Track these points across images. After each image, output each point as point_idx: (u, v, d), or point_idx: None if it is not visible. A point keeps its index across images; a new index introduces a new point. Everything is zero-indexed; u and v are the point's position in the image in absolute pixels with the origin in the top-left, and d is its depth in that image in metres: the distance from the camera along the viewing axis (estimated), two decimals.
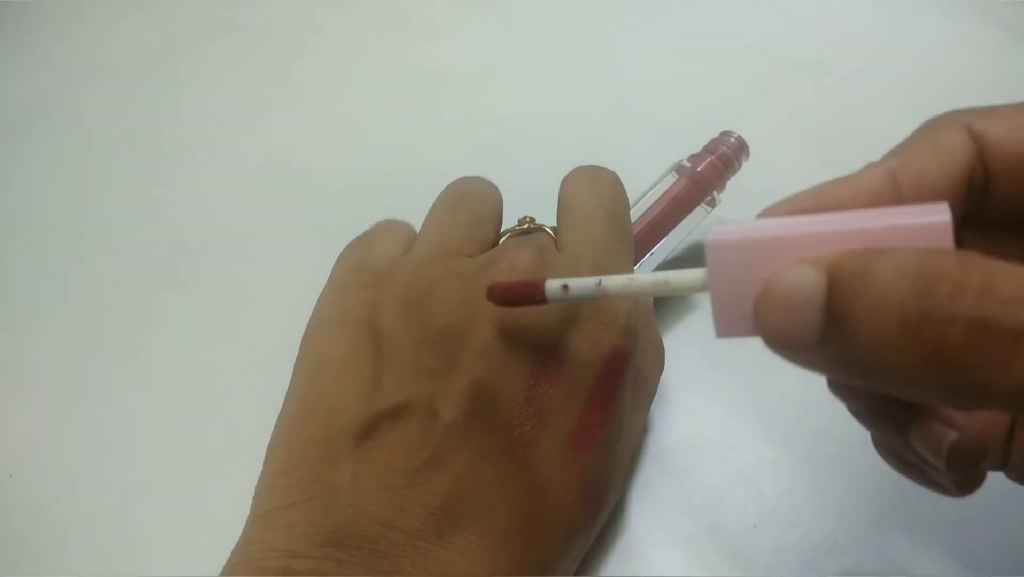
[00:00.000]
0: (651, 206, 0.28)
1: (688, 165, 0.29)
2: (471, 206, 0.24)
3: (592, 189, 0.24)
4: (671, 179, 0.29)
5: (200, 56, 0.45)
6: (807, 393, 0.27)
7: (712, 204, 0.29)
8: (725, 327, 0.15)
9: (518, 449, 0.19)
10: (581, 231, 0.22)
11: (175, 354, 0.30)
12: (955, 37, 0.43)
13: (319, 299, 0.23)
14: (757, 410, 0.27)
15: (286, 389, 0.22)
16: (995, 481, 0.24)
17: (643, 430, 0.23)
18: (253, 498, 0.20)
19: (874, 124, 0.37)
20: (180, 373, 0.29)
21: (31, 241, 0.35)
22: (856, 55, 0.42)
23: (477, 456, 0.18)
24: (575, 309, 0.20)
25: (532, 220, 0.24)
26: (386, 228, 0.25)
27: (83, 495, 0.26)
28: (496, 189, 0.25)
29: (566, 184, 0.24)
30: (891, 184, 0.16)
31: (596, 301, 0.20)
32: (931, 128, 0.17)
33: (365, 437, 0.19)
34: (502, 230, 0.25)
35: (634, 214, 0.28)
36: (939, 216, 0.13)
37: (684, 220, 0.29)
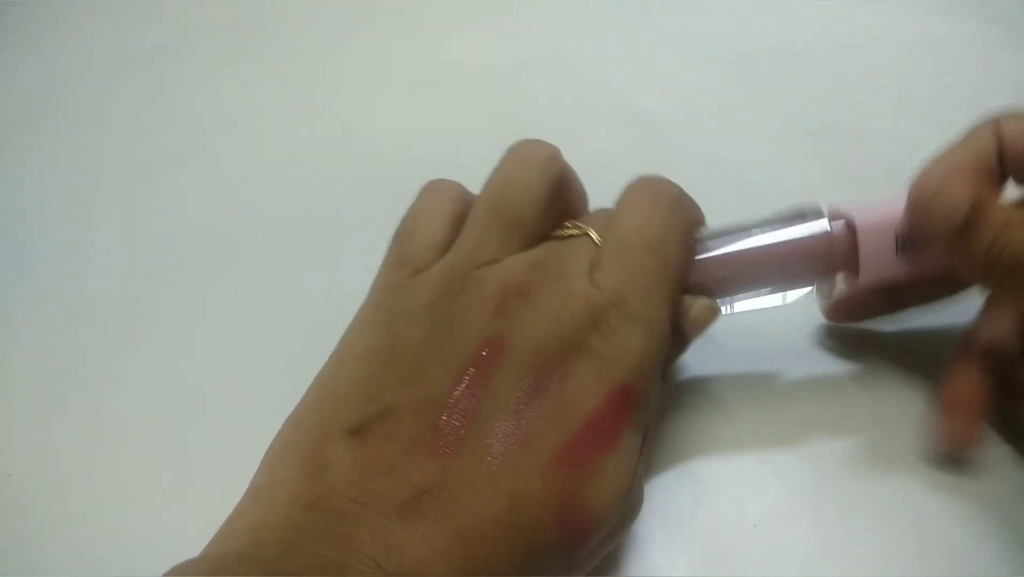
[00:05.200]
0: (759, 243, 0.23)
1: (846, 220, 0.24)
2: (507, 205, 0.24)
3: (644, 210, 0.23)
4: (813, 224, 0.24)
5: (200, 56, 0.45)
6: (809, 393, 0.27)
7: (833, 287, 0.25)
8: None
9: (496, 460, 0.19)
10: (616, 257, 0.22)
11: (175, 354, 0.30)
12: (955, 37, 0.43)
13: (371, 288, 0.24)
14: (758, 410, 0.27)
15: (288, 388, 0.23)
16: (998, 481, 0.24)
17: (641, 494, 0.22)
18: (259, 466, 0.21)
19: (874, 124, 0.37)
20: (180, 373, 0.29)
21: (30, 240, 0.35)
22: (856, 55, 0.42)
23: (455, 458, 0.19)
24: (583, 340, 0.20)
25: (575, 224, 0.24)
26: (432, 201, 0.25)
27: (83, 495, 0.26)
28: (546, 170, 0.24)
29: (623, 196, 0.24)
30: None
31: (606, 335, 0.21)
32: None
33: (358, 430, 0.20)
34: (553, 232, 0.24)
35: (737, 241, 0.24)
36: None
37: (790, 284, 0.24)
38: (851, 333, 0.29)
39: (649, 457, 0.24)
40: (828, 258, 0.24)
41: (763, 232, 0.24)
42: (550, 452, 0.19)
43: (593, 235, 0.23)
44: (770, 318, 0.28)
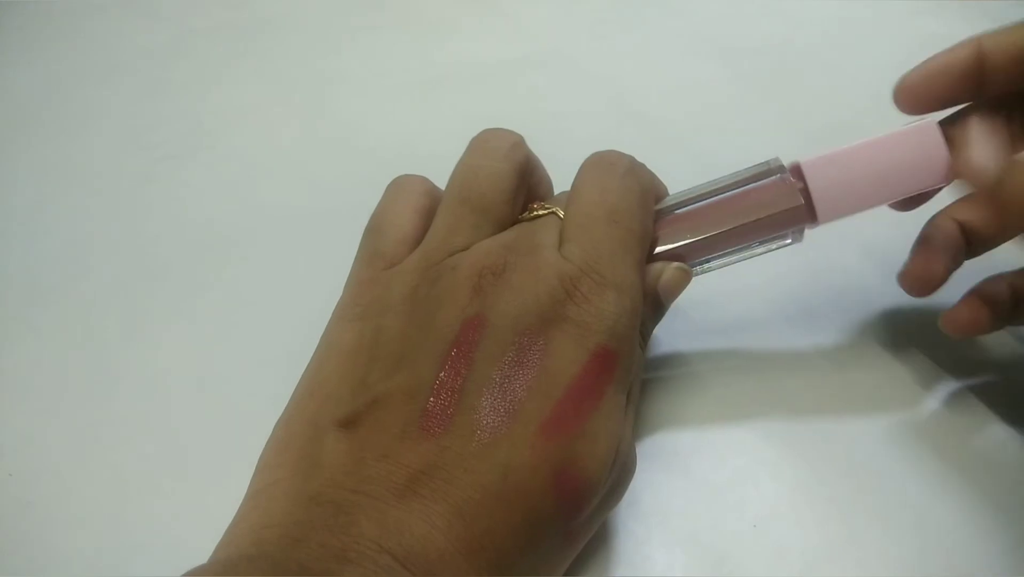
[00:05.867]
0: (717, 202, 0.24)
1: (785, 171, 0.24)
2: (476, 193, 0.24)
3: (599, 181, 0.24)
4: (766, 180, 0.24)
5: (200, 56, 0.45)
6: (808, 393, 0.27)
7: (800, 235, 0.25)
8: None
9: (487, 434, 0.19)
10: (580, 228, 0.23)
11: (175, 353, 0.30)
12: (955, 36, 0.43)
13: (345, 285, 0.25)
14: (757, 410, 0.27)
15: (288, 387, 0.23)
16: (998, 480, 0.24)
17: (633, 457, 0.23)
18: (254, 470, 0.21)
19: (873, 123, 0.37)
20: (180, 372, 0.29)
21: (30, 240, 0.35)
22: (856, 54, 0.42)
23: (446, 437, 0.19)
24: (559, 310, 0.21)
25: (542, 204, 0.24)
26: (400, 196, 0.25)
27: (83, 494, 0.26)
28: (511, 157, 0.24)
29: (578, 172, 0.24)
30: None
31: (580, 302, 0.21)
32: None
33: (349, 422, 0.20)
34: (521, 216, 0.25)
35: (696, 204, 0.25)
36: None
37: (755, 244, 0.25)
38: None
39: (636, 421, 0.24)
40: (786, 205, 0.24)
41: (722, 190, 0.25)
42: (538, 420, 0.19)
43: (560, 212, 0.24)
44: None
